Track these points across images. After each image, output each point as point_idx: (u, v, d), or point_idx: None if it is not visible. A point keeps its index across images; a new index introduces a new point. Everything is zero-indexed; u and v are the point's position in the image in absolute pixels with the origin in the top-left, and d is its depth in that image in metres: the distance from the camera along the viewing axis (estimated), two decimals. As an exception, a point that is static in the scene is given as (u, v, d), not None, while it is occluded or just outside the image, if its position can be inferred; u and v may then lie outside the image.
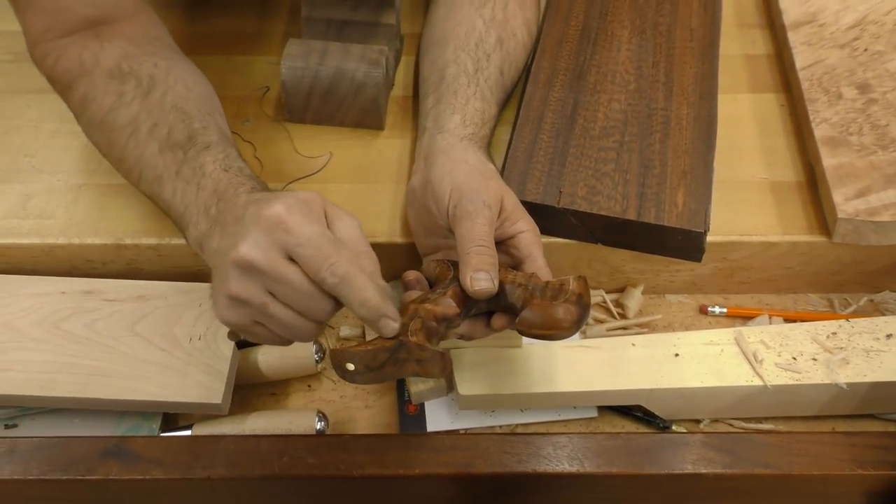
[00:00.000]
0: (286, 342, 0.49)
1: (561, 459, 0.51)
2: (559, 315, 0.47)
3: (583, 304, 0.48)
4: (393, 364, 0.47)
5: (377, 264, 0.48)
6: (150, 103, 0.58)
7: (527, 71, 0.70)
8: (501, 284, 0.50)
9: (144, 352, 0.60)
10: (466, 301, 0.50)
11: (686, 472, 0.51)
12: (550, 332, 0.48)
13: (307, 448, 0.52)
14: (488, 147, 0.62)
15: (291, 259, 0.45)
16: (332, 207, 0.48)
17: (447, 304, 0.49)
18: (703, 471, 0.51)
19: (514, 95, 0.70)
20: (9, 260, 0.64)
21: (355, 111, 0.69)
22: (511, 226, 0.54)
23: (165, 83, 0.59)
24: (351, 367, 0.47)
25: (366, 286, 0.45)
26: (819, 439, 0.52)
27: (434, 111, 0.62)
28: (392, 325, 0.46)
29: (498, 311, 0.51)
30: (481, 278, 0.50)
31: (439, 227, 0.57)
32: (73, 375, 0.58)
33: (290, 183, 0.67)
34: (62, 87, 0.63)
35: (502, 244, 0.54)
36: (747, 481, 0.51)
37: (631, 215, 0.59)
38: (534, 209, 0.58)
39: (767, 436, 0.53)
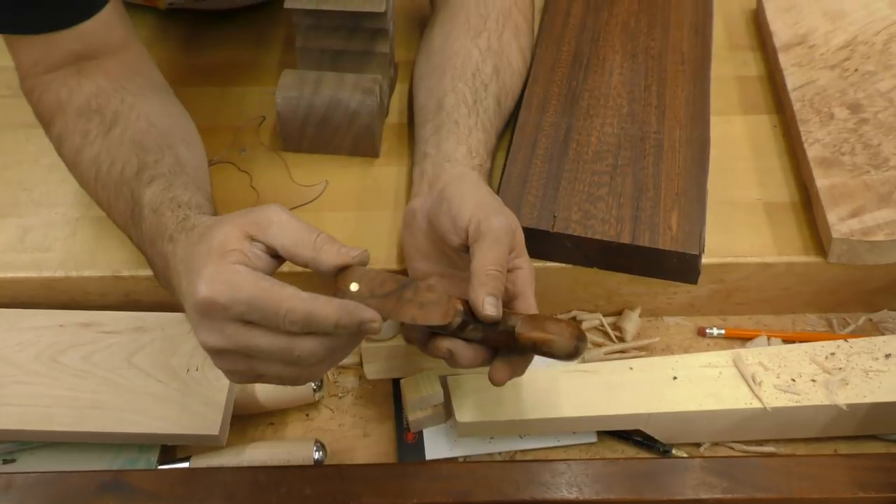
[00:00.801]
0: (301, 382, 0.49)
1: (559, 486, 0.50)
2: (553, 325, 0.48)
3: (576, 324, 0.49)
4: (396, 300, 0.46)
5: (320, 235, 0.46)
6: (109, 141, 0.58)
7: (518, 99, 0.71)
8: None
9: (142, 384, 0.60)
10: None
11: (686, 497, 0.50)
12: (548, 336, 0.47)
13: (304, 479, 0.52)
14: (490, 178, 0.63)
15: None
16: (249, 223, 0.46)
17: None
18: (704, 496, 0.50)
19: (507, 124, 0.71)
20: (6, 293, 0.64)
21: (350, 139, 0.69)
22: (513, 259, 0.54)
23: (128, 119, 0.59)
24: (355, 287, 0.46)
25: (329, 311, 0.44)
26: (820, 462, 0.52)
27: (435, 138, 0.63)
28: (374, 326, 0.45)
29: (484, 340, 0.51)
30: (492, 304, 0.49)
31: (435, 251, 0.57)
32: (70, 409, 0.58)
33: (287, 212, 0.67)
34: (44, 124, 0.64)
35: None
36: (747, 506, 0.51)
37: (626, 239, 0.59)
38: (528, 234, 0.58)
39: (767, 459, 0.53)
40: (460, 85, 0.65)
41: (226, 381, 0.59)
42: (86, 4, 0.60)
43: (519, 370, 0.51)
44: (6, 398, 0.59)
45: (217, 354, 0.46)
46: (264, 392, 0.62)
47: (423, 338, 0.53)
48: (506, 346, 0.51)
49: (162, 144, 0.58)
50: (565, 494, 0.50)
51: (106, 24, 0.61)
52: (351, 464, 0.58)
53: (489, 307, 0.49)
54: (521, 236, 0.54)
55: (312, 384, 0.62)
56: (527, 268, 0.54)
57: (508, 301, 0.53)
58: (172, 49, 0.80)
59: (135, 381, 0.60)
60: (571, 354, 0.48)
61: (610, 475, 0.51)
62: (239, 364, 0.46)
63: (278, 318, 0.43)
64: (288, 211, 0.48)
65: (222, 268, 0.45)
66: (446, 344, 0.51)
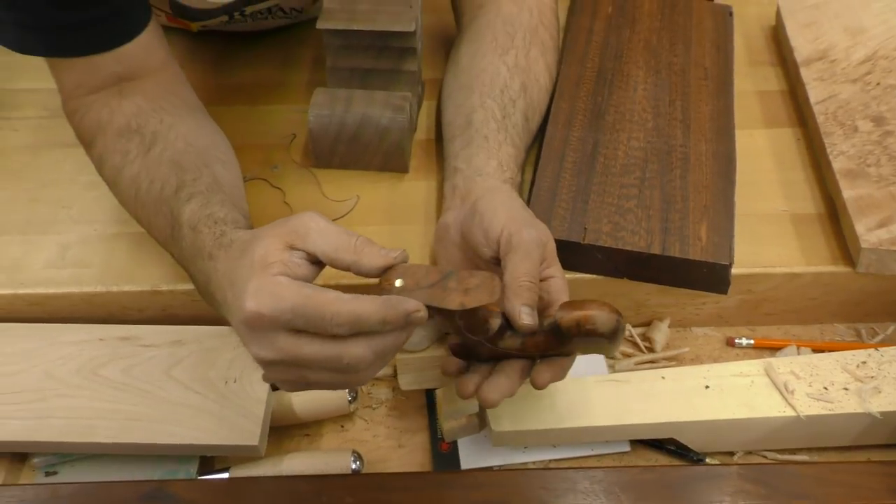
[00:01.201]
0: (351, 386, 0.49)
1: (598, 494, 0.51)
2: (591, 303, 0.49)
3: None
4: (441, 289, 0.47)
5: (359, 238, 0.47)
6: (149, 160, 0.60)
7: (545, 113, 0.72)
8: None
9: (181, 396, 0.61)
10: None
11: (724, 504, 0.51)
12: (588, 312, 0.48)
13: (344, 487, 0.52)
14: (520, 191, 0.64)
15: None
16: (288, 232, 0.47)
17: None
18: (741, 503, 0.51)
19: (534, 139, 0.72)
20: (47, 309, 0.66)
21: (381, 155, 0.71)
22: (546, 269, 0.55)
23: (166, 139, 0.61)
24: (399, 283, 0.47)
25: (374, 308, 0.44)
26: (854, 469, 0.52)
27: (465, 153, 0.64)
28: (419, 315, 0.45)
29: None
30: (528, 314, 0.50)
31: (468, 264, 0.58)
32: (111, 421, 0.59)
33: (319, 227, 0.68)
34: (85, 144, 0.66)
35: None
36: (785, 512, 0.51)
37: (656, 250, 0.60)
38: (559, 246, 0.59)
39: (803, 467, 0.53)
40: (489, 101, 0.67)
41: (263, 393, 0.60)
42: (127, 28, 0.62)
43: (559, 373, 0.52)
44: (49, 411, 0.60)
45: (268, 366, 0.46)
46: (301, 404, 0.62)
47: (462, 367, 0.54)
48: (543, 353, 0.52)
49: (199, 163, 0.60)
50: (604, 501, 0.50)
51: (146, 47, 0.63)
52: (390, 472, 0.59)
53: (525, 317, 0.50)
54: (552, 247, 0.55)
55: (348, 395, 0.63)
56: (559, 276, 0.55)
57: (543, 310, 0.54)
58: (203, 69, 0.82)
59: (174, 394, 0.61)
60: (614, 330, 0.49)
61: (647, 482, 0.51)
62: (290, 374, 0.46)
63: (325, 322, 0.44)
64: (325, 217, 0.48)
65: (265, 280, 0.45)
66: (474, 380, 0.52)
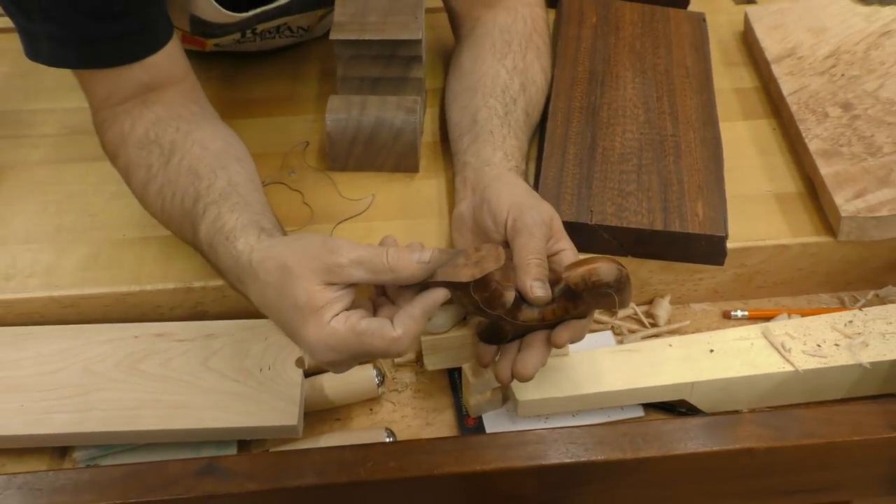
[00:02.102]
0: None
1: (623, 444, 0.55)
2: (593, 258, 0.54)
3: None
4: (452, 266, 0.51)
5: (388, 253, 0.52)
6: (169, 172, 0.64)
7: (544, 111, 0.78)
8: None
9: (219, 384, 0.64)
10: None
11: (741, 447, 0.55)
12: (591, 265, 0.53)
13: (387, 453, 0.55)
14: (526, 179, 0.69)
15: None
16: (323, 271, 0.51)
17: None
18: (754, 445, 0.55)
19: (534, 134, 0.77)
20: (81, 310, 0.68)
21: (394, 156, 0.75)
22: (555, 244, 0.59)
23: (183, 147, 0.65)
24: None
25: (418, 329, 0.52)
26: (855, 409, 0.57)
27: (473, 147, 0.69)
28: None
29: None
30: (539, 286, 0.55)
31: None
32: (154, 409, 0.62)
33: (339, 224, 0.73)
34: (110, 156, 0.69)
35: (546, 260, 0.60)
36: (794, 453, 0.56)
37: (658, 226, 0.66)
38: (568, 227, 0.64)
39: (808, 409, 0.58)
40: (491, 101, 0.72)
41: (298, 377, 0.64)
42: (154, 38, 0.66)
43: (578, 333, 0.57)
44: (92, 403, 0.63)
45: (328, 365, 0.55)
46: (332, 388, 0.66)
47: (495, 353, 0.59)
48: (561, 319, 0.56)
49: (215, 166, 0.63)
50: (628, 449, 0.55)
51: (170, 57, 0.67)
52: (430, 438, 0.62)
53: (537, 290, 0.55)
54: (558, 224, 0.60)
55: (375, 378, 0.66)
56: (569, 248, 0.59)
57: (556, 281, 0.58)
58: (216, 86, 0.86)
59: (212, 382, 0.64)
60: (618, 279, 0.53)
61: (668, 431, 0.56)
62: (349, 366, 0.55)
63: (388, 352, 0.52)
64: (348, 243, 0.53)
65: (323, 331, 0.51)
66: (507, 364, 0.58)
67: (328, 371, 0.65)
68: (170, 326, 0.68)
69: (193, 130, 0.66)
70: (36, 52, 0.64)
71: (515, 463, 0.55)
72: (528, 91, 0.74)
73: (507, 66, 0.74)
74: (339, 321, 0.51)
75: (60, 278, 0.68)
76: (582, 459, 0.55)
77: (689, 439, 0.56)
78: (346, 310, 0.52)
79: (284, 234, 0.60)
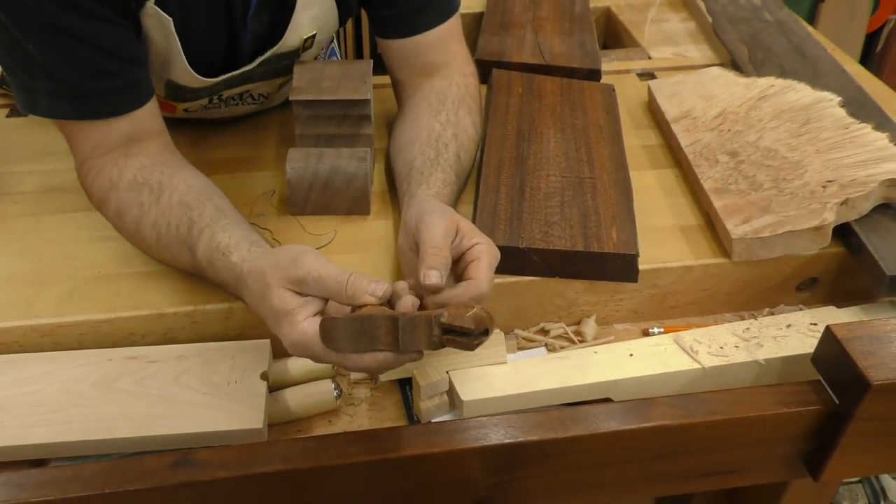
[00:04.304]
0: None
1: (555, 427, 0.63)
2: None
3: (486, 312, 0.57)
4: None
5: (349, 282, 0.59)
6: (161, 206, 0.73)
7: (479, 163, 0.89)
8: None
9: (190, 397, 0.69)
10: None
11: (655, 425, 0.63)
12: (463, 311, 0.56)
13: (346, 442, 0.62)
14: (452, 205, 0.77)
15: None
16: (292, 282, 0.59)
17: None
18: (667, 422, 0.64)
19: (471, 184, 0.88)
20: (58, 339, 0.74)
21: (348, 200, 0.85)
22: (468, 240, 0.66)
23: (171, 185, 0.74)
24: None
25: (375, 363, 0.59)
26: (752, 391, 0.66)
27: (409, 190, 0.79)
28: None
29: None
30: (433, 275, 0.61)
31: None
32: (129, 420, 0.67)
33: (299, 259, 0.81)
34: (98, 201, 0.77)
35: (461, 259, 0.66)
36: (702, 430, 0.64)
37: (580, 247, 0.76)
38: (503, 251, 0.73)
39: (714, 393, 0.66)
40: (427, 149, 0.82)
41: (262, 389, 0.70)
42: (139, 95, 0.75)
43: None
44: (69, 417, 0.67)
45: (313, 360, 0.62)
46: (294, 400, 0.72)
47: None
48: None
49: (202, 198, 0.73)
50: (559, 430, 0.62)
51: (151, 113, 0.77)
52: (386, 427, 0.69)
53: (432, 278, 0.61)
54: (466, 225, 0.67)
55: (334, 391, 0.73)
56: (484, 242, 0.66)
57: (464, 267, 0.65)
58: (184, 149, 0.93)
59: (184, 396, 0.69)
60: (480, 328, 0.56)
61: (597, 413, 0.64)
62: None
63: (342, 365, 0.60)
64: (316, 261, 0.60)
65: (295, 330, 0.60)
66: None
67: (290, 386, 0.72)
68: (142, 350, 0.74)
69: (176, 172, 0.75)
70: (33, 105, 0.72)
71: (461, 445, 0.62)
72: (459, 139, 0.85)
73: (440, 121, 0.86)
74: (310, 323, 0.59)
75: (39, 310, 0.74)
76: (519, 440, 0.62)
77: (611, 419, 0.64)
78: (319, 313, 0.60)
79: (271, 245, 0.69)
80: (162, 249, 0.73)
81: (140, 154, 0.76)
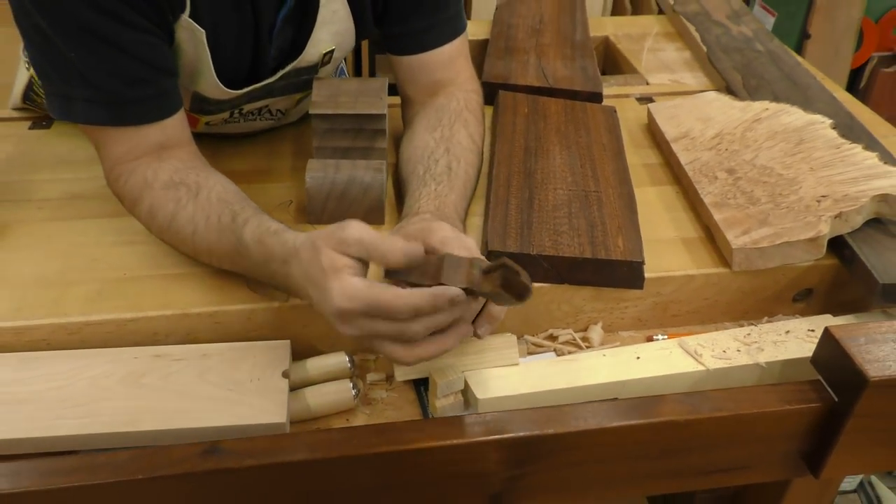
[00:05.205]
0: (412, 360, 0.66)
1: (568, 422, 0.66)
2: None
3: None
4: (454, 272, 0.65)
5: (386, 244, 0.63)
6: (200, 202, 0.76)
7: (489, 177, 0.92)
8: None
9: (214, 392, 0.72)
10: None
11: (664, 420, 0.66)
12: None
13: (370, 434, 0.64)
14: (444, 209, 0.80)
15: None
16: (337, 243, 0.64)
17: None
18: (674, 418, 0.67)
19: (480, 196, 0.92)
20: (84, 338, 0.76)
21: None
22: (441, 246, 0.68)
23: (208, 185, 0.77)
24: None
25: (425, 301, 0.62)
26: (755, 390, 0.70)
27: (403, 209, 0.83)
28: (460, 298, 0.63)
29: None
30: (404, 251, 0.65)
31: None
32: (156, 413, 0.69)
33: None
34: (130, 202, 0.80)
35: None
36: (707, 425, 0.67)
37: (588, 254, 0.79)
38: (514, 258, 0.77)
39: (719, 391, 0.70)
40: (418, 166, 0.86)
41: (284, 385, 0.72)
42: (171, 105, 0.79)
43: (493, 324, 0.70)
44: (97, 411, 0.69)
45: (352, 338, 0.65)
46: (314, 398, 0.74)
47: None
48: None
49: (239, 198, 0.77)
50: (582, 422, 0.65)
51: (181, 122, 0.80)
52: (404, 421, 0.71)
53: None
54: (435, 238, 0.69)
55: (352, 391, 0.75)
56: (449, 232, 0.69)
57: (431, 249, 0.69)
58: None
59: (209, 391, 0.72)
60: (523, 289, 0.65)
61: (607, 409, 0.66)
62: (367, 342, 0.64)
63: (391, 314, 0.62)
64: (359, 226, 0.65)
65: (343, 283, 0.63)
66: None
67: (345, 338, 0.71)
68: (167, 349, 0.76)
69: (210, 176, 0.78)
70: (67, 111, 0.75)
71: (481, 437, 0.64)
72: (452, 151, 0.87)
73: (435, 137, 0.89)
74: (357, 278, 0.64)
75: (67, 308, 0.77)
76: (535, 433, 0.65)
77: (621, 415, 0.67)
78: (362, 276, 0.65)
79: None
80: (197, 240, 0.76)
81: (172, 159, 0.79)
